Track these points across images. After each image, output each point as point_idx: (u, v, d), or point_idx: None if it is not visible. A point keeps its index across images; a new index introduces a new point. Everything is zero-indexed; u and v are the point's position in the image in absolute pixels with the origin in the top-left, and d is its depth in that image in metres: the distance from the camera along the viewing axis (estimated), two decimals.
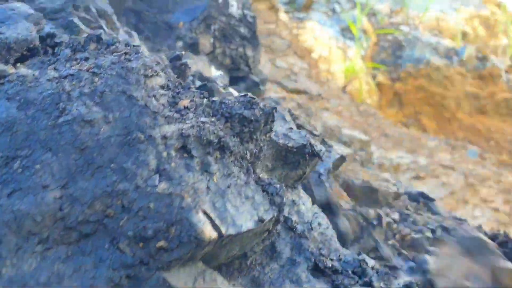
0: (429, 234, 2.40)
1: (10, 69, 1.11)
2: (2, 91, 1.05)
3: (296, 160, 1.63)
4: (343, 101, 7.23)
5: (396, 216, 2.53)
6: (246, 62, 3.10)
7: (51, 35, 1.31)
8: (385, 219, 2.22)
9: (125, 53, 1.28)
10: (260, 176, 1.38)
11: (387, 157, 5.72)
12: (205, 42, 2.84)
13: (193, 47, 2.72)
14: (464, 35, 8.81)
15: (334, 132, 4.95)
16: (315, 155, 1.69)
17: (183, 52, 1.99)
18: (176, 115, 1.26)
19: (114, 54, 1.27)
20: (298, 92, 6.37)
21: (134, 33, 2.34)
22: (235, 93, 2.22)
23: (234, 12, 3.08)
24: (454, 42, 8.51)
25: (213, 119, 1.38)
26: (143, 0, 2.87)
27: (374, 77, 8.18)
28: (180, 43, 2.68)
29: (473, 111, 7.91)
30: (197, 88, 1.65)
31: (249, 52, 3.12)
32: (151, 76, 1.29)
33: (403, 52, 8.06)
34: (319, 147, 2.06)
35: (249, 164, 1.41)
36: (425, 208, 2.88)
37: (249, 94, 1.51)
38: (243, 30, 3.12)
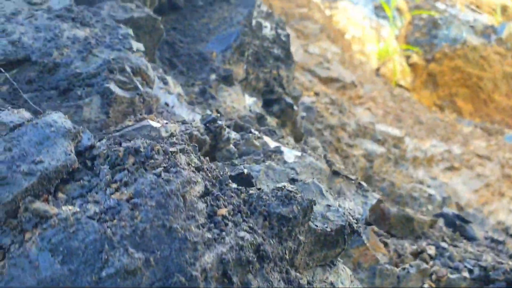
0: (466, 274, 2.36)
1: (52, 209, 1.10)
2: (45, 240, 1.05)
3: (335, 240, 1.60)
4: (376, 86, 7.06)
5: (432, 251, 2.49)
6: (279, 83, 3.04)
7: (89, 148, 1.30)
8: (422, 266, 2.18)
9: (164, 169, 1.26)
10: (300, 281, 1.36)
11: (421, 149, 5.59)
12: (239, 71, 2.78)
13: (227, 79, 2.66)
14: (504, 9, 8.40)
15: (367, 129, 4.86)
16: (354, 231, 1.66)
17: (218, 115, 1.95)
18: (216, 231, 1.25)
19: (153, 171, 1.25)
20: (331, 80, 6.25)
21: (168, 78, 2.30)
22: (270, 142, 2.18)
23: (268, 34, 3.00)
24: (493, 18, 8.13)
25: (251, 222, 1.36)
26: (176, 29, 2.81)
27: (408, 58, 7.95)
28: (213, 76, 2.63)
29: (511, 92, 7.64)
30: (233, 177, 1.62)
31: (283, 73, 3.05)
32: (190, 189, 1.27)
33: (438, 31, 7.76)
34: (357, 211, 2.02)
35: (288, 266, 1.39)
36: (462, 237, 2.83)
37: (286, 186, 1.47)
38: (276, 51, 3.04)
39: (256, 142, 2.06)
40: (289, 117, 3.06)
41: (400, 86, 7.56)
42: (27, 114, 1.31)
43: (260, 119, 2.74)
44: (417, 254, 2.44)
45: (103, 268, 1.03)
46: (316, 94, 5.22)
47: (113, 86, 1.85)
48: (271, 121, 2.89)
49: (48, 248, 1.05)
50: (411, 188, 4.29)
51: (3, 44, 1.85)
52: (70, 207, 1.13)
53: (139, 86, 1.96)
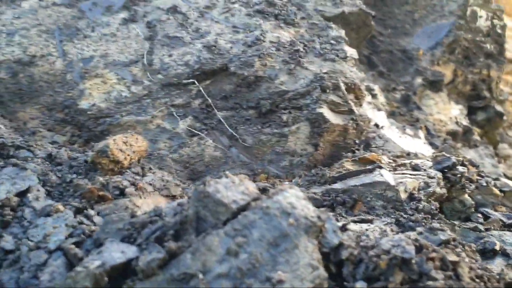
0: None
1: None
2: None
3: None
4: None
5: None
6: (488, 86, 2.39)
7: (336, 248, 0.87)
8: None
9: None
10: None
11: None
12: (447, 72, 2.19)
13: (435, 84, 2.09)
14: None
15: None
16: None
17: (460, 158, 1.42)
18: None
19: None
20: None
21: (376, 87, 1.80)
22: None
23: (482, 25, 2.33)
24: None
25: None
26: (374, 18, 2.26)
27: None
28: (419, 80, 2.07)
29: None
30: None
31: (493, 73, 2.39)
32: None
33: None
34: None
35: None
36: None
37: None
38: (489, 46, 2.37)
39: (495, 190, 1.51)
40: (495, 127, 2.42)
41: None
42: (251, 187, 0.91)
43: (466, 133, 2.16)
44: None
45: None
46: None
47: (326, 111, 1.40)
48: (475, 132, 2.29)
49: None
50: None
51: (197, 48, 1.47)
52: None
53: (353, 107, 1.48)
